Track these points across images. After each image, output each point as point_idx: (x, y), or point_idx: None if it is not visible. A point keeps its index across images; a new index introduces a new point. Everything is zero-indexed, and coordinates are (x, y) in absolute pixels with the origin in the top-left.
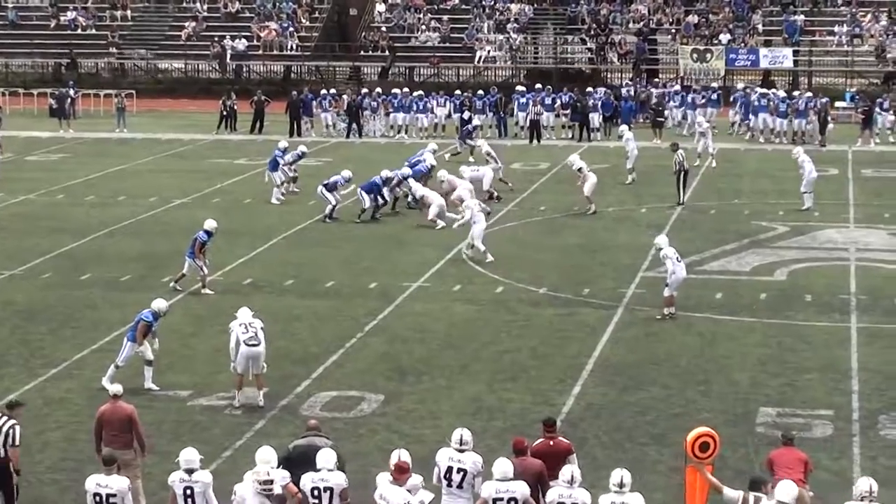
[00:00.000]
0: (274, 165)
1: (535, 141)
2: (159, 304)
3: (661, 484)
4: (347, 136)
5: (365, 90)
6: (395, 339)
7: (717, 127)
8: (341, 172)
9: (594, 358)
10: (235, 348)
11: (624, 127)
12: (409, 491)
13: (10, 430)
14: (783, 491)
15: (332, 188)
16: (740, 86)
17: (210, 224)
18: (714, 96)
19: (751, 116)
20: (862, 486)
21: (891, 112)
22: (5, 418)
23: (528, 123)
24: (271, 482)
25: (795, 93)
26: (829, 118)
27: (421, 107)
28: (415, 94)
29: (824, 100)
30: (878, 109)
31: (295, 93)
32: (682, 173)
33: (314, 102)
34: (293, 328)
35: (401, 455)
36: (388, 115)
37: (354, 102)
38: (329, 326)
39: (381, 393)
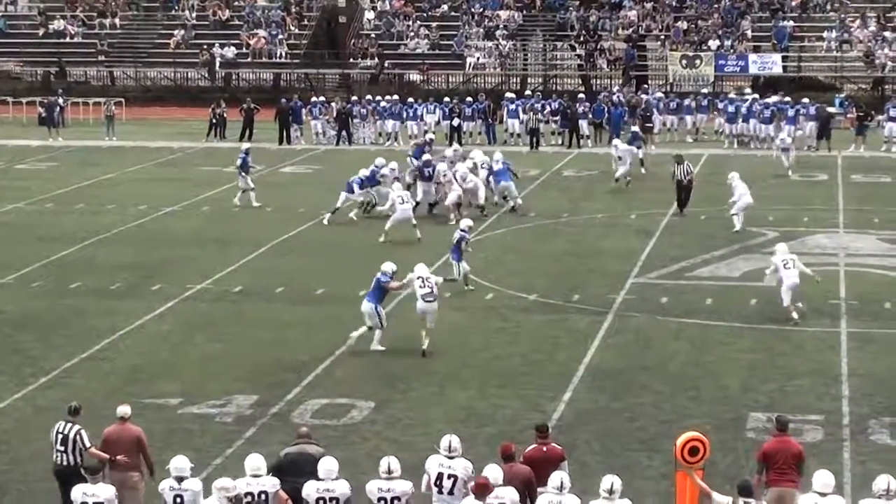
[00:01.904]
0: (244, 167)
1: (535, 148)
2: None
3: (652, 489)
4: (337, 143)
5: (354, 97)
6: (387, 343)
7: (706, 132)
8: (375, 161)
9: (584, 364)
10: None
11: (617, 141)
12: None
13: (77, 436)
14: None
15: (367, 184)
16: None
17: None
18: (704, 102)
19: (741, 122)
20: (880, 484)
21: None
22: (69, 424)
23: (527, 130)
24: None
25: (777, 97)
26: (831, 125)
27: (411, 114)
28: (400, 100)
29: (831, 108)
30: (885, 117)
31: (284, 100)
32: (688, 184)
33: (304, 110)
34: (284, 336)
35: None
36: (377, 122)
37: (344, 110)
38: (319, 334)
39: (372, 400)
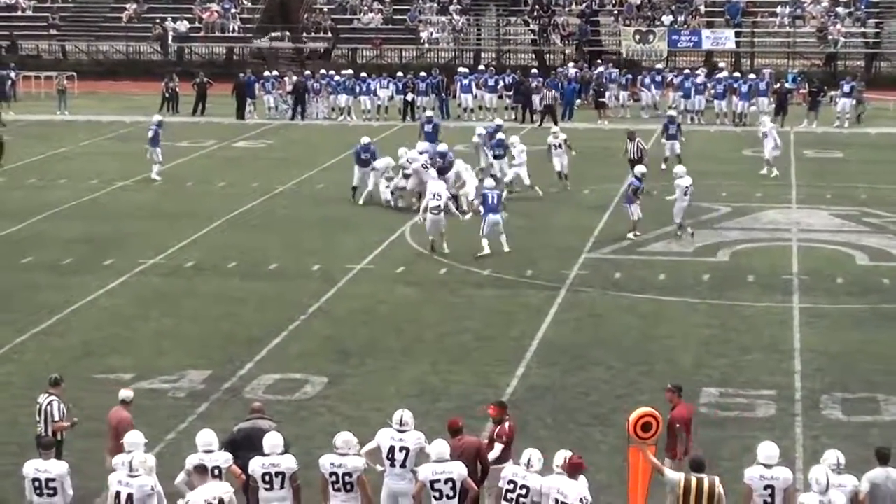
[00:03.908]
0: (154, 141)
1: (552, 124)
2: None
3: (605, 465)
4: (293, 117)
5: (308, 72)
6: (339, 321)
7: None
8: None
9: (537, 339)
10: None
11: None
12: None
13: (48, 407)
14: (765, 454)
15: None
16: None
17: None
18: (658, 77)
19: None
20: (830, 459)
21: (852, 97)
22: (46, 395)
23: (542, 107)
24: None
25: (734, 73)
26: (788, 101)
27: (364, 89)
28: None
29: (793, 85)
30: (839, 93)
31: (242, 74)
32: (639, 161)
33: (256, 84)
34: (236, 310)
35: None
36: (330, 97)
37: (301, 84)
38: (272, 309)
39: (325, 375)
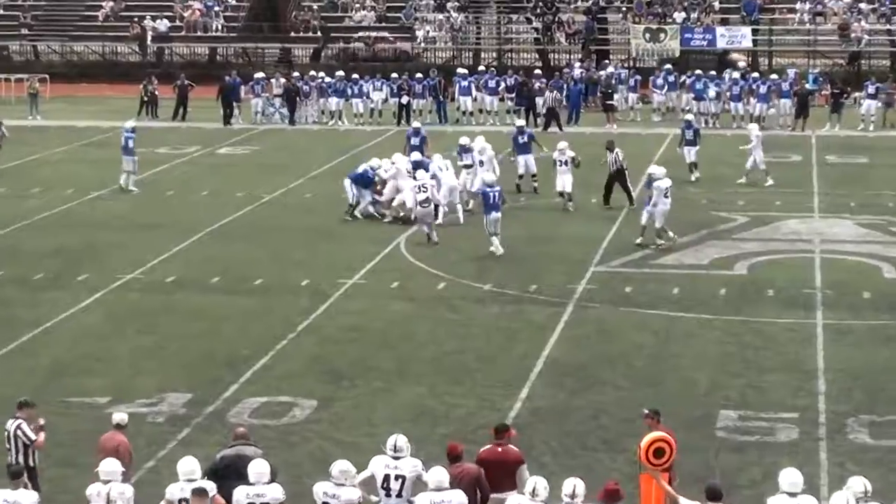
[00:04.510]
0: (127, 149)
1: (552, 128)
2: None
3: None
4: (290, 121)
5: (296, 74)
6: (329, 339)
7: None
8: (369, 162)
9: (543, 358)
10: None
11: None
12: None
13: (17, 431)
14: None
15: (361, 182)
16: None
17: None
18: (671, 78)
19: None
20: (856, 486)
21: (877, 99)
22: (12, 420)
23: (544, 111)
24: None
25: (752, 73)
26: (809, 103)
27: (356, 91)
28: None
29: (814, 86)
30: (863, 94)
31: (228, 77)
32: (619, 173)
33: (243, 87)
34: (220, 329)
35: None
36: (320, 100)
37: (292, 86)
38: (258, 327)
39: (314, 398)
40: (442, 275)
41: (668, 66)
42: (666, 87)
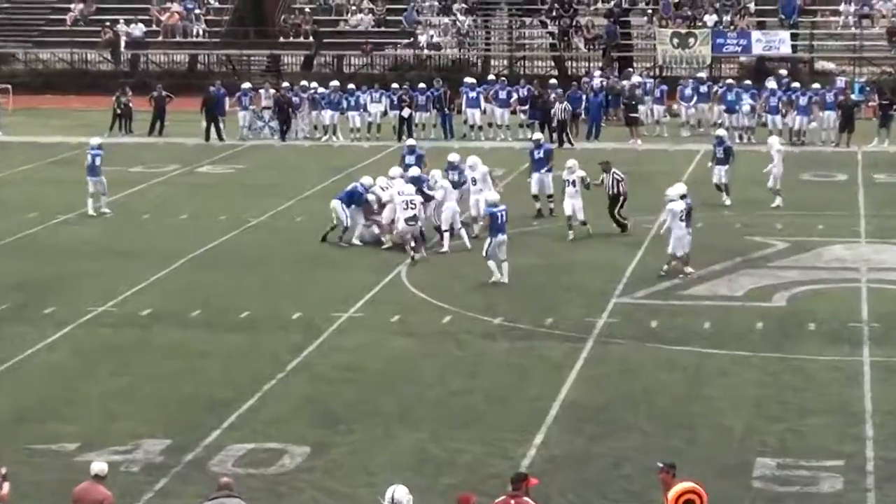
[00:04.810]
0: (94, 170)
1: (566, 143)
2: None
3: None
4: (281, 137)
5: (286, 84)
6: (323, 379)
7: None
8: (360, 180)
9: (559, 401)
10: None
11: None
12: None
13: None
14: None
15: (352, 202)
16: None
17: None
18: (704, 88)
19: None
20: None
21: None
22: None
23: (555, 124)
24: None
25: (792, 83)
26: (855, 115)
27: (352, 103)
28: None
29: (860, 96)
30: None
31: (212, 87)
32: (614, 198)
33: (227, 99)
34: (201, 367)
35: None
36: (311, 113)
37: (284, 98)
38: (243, 365)
39: (306, 444)
40: (447, 307)
41: (701, 74)
42: (695, 99)
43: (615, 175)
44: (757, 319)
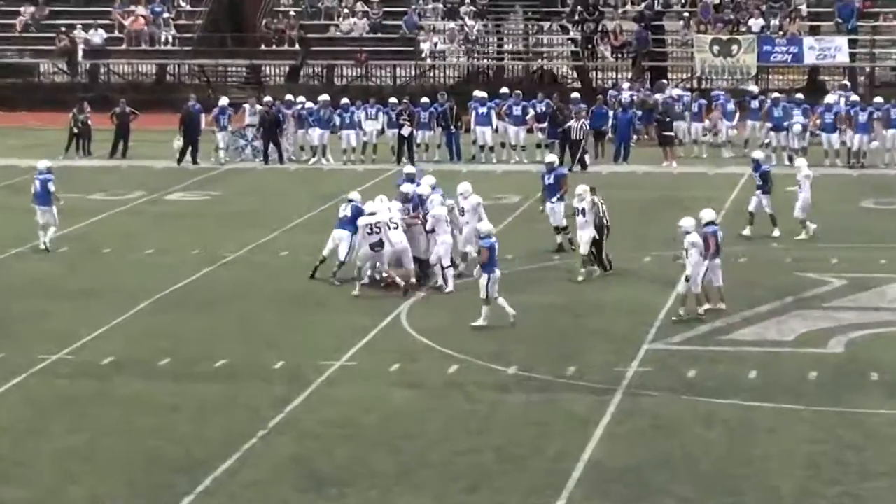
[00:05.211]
0: (44, 198)
1: (578, 166)
2: None
3: None
4: (264, 158)
5: (268, 98)
6: (311, 437)
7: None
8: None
9: (583, 461)
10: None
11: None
12: None
13: None
14: None
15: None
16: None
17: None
18: (755, 104)
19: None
20: None
21: None
22: None
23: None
24: None
25: (851, 97)
26: None
27: (347, 120)
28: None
29: None
30: None
31: (192, 102)
32: (606, 230)
33: (203, 116)
34: (170, 423)
35: None
36: (297, 131)
37: (271, 115)
38: (219, 421)
39: None
40: (454, 354)
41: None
42: (738, 115)
43: (596, 201)
44: (810, 368)
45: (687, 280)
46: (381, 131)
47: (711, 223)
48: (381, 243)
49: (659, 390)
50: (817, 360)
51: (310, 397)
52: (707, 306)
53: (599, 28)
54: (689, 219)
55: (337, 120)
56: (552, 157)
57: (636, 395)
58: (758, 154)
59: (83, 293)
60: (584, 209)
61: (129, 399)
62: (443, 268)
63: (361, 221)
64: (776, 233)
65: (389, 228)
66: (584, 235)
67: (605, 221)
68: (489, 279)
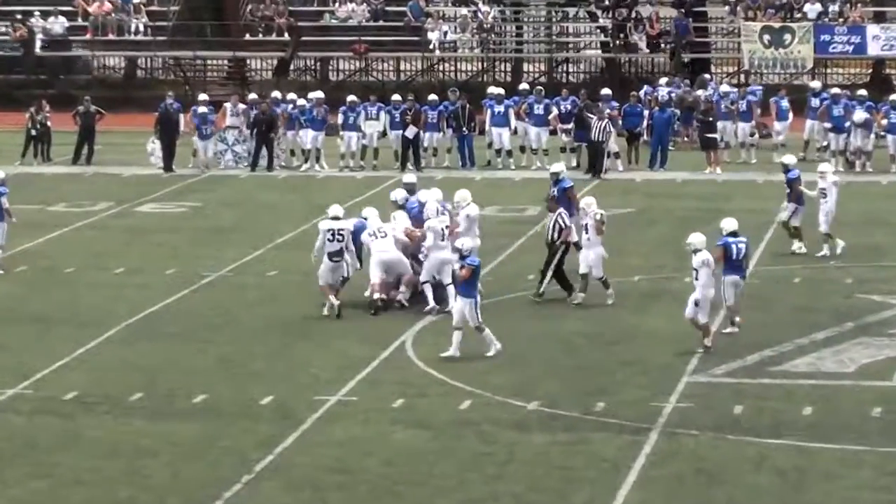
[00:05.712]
0: None
1: (597, 173)
2: None
3: None
4: (253, 165)
5: (253, 95)
6: (303, 483)
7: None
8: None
9: None
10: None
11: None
12: None
13: None
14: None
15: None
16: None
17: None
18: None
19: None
20: None
21: None
22: None
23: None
24: None
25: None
26: None
27: (350, 121)
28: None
29: None
30: None
31: (169, 100)
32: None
33: (182, 116)
34: (143, 468)
35: None
36: (287, 133)
37: (265, 115)
38: (198, 466)
39: None
40: (467, 388)
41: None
42: (791, 115)
43: (560, 217)
44: (874, 404)
45: (696, 305)
46: (383, 133)
47: (733, 234)
48: (340, 253)
49: (701, 429)
50: (882, 394)
51: (302, 438)
52: (706, 342)
53: (633, 15)
54: (698, 234)
55: (340, 118)
56: (557, 167)
57: (675, 434)
58: (787, 158)
59: (42, 319)
60: (586, 225)
61: (96, 440)
62: (423, 283)
63: (323, 225)
64: (795, 246)
65: (376, 238)
66: (590, 255)
67: (552, 237)
68: (475, 302)
